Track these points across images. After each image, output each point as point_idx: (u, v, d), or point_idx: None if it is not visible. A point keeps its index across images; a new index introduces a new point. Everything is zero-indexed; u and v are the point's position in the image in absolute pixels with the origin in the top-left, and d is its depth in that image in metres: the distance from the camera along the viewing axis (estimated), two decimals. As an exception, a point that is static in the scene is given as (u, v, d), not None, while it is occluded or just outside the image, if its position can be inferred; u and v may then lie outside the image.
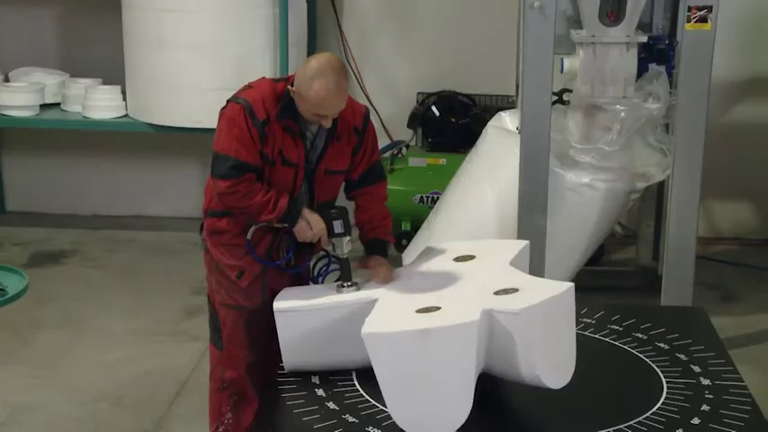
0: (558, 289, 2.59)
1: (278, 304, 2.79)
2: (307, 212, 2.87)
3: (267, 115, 2.82)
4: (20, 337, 4.31)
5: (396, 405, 2.47)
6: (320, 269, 3.09)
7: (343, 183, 3.05)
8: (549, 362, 2.53)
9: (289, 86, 2.86)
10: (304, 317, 2.76)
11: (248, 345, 3.00)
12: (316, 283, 3.07)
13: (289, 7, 4.93)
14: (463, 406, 2.44)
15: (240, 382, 3.03)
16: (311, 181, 2.94)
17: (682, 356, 2.88)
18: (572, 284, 2.62)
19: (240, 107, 2.82)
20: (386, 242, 3.04)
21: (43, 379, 4.00)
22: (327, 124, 2.86)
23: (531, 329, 2.48)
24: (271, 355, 2.93)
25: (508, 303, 2.52)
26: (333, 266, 3.05)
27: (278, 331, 2.77)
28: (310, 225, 2.87)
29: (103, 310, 4.60)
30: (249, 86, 2.91)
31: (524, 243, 3.02)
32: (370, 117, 3.04)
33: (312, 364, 2.78)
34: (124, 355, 4.17)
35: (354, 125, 2.97)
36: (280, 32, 4.94)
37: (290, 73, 4.95)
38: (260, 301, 2.94)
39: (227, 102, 2.90)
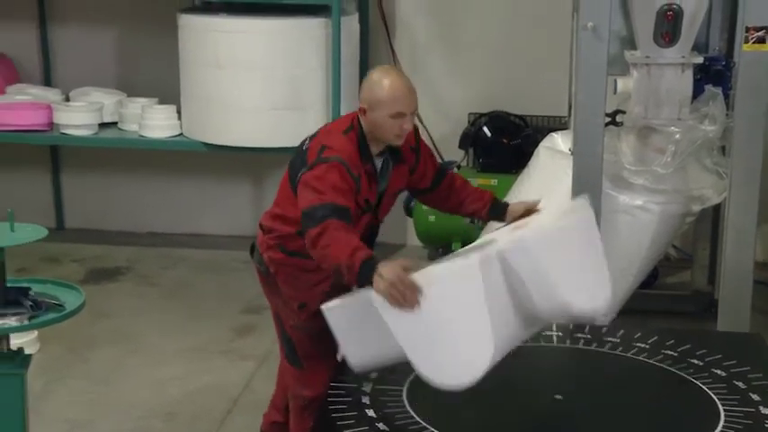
0: (567, 219, 2.63)
1: (325, 304, 2.73)
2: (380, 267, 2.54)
3: (357, 170, 2.81)
4: (76, 353, 4.39)
5: (417, 356, 2.47)
6: None
7: (410, 191, 3.16)
8: (575, 288, 2.50)
9: (358, 117, 2.86)
10: (352, 310, 2.67)
11: (323, 359, 2.97)
12: None
13: (341, 28, 4.98)
14: (484, 351, 2.42)
15: (321, 399, 2.95)
16: (377, 208, 2.99)
17: (740, 384, 2.82)
18: (587, 209, 2.71)
19: (336, 163, 2.76)
20: (499, 200, 3.13)
21: (98, 395, 4.06)
22: (409, 126, 2.85)
23: (537, 260, 2.49)
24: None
25: (513, 241, 2.59)
26: None
27: (332, 330, 2.68)
28: (398, 281, 2.50)
29: (157, 327, 4.66)
30: (327, 147, 2.83)
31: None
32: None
33: (375, 358, 2.68)
34: (177, 372, 4.22)
35: (410, 145, 3.02)
36: (332, 53, 4.99)
37: (342, 92, 5.03)
38: (324, 322, 2.88)
39: (311, 167, 2.79)
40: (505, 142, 5.29)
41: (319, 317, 2.79)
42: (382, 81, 2.84)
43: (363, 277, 2.54)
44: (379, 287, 2.49)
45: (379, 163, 2.94)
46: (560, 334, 3.20)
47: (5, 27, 5.73)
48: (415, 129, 3.03)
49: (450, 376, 2.46)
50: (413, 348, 2.47)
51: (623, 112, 4.18)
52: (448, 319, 2.46)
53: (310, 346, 3.03)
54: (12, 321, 3.05)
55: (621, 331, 3.19)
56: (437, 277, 2.50)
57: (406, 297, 2.45)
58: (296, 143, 5.03)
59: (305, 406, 3.07)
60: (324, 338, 2.89)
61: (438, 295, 2.46)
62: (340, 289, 2.83)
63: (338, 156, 2.79)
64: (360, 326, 2.68)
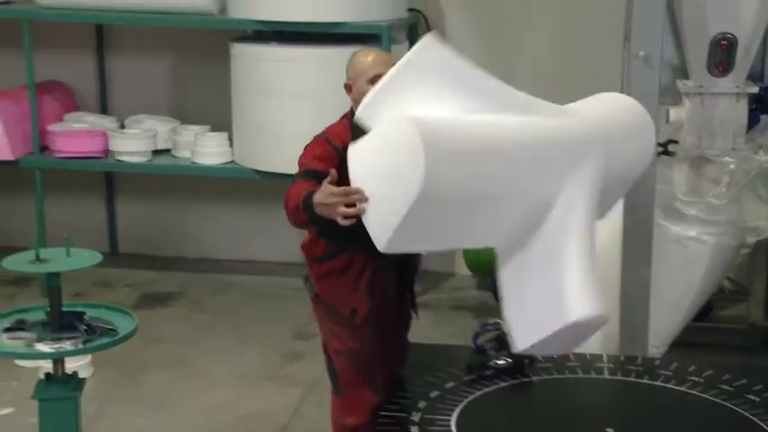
0: None
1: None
2: (330, 188, 2.65)
3: (344, 143, 2.85)
4: (128, 377, 4.44)
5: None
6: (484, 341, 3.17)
7: None
8: None
9: (349, 99, 2.98)
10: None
11: (366, 388, 3.01)
12: (480, 351, 3.14)
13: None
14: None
15: (366, 429, 2.99)
16: None
17: (797, 420, 2.77)
18: None
19: (317, 138, 2.98)
20: None
21: (150, 419, 4.10)
22: None
23: None
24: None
25: None
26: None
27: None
28: (326, 195, 2.64)
29: (208, 353, 4.70)
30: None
31: None
32: None
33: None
34: (227, 397, 4.24)
35: None
36: (383, 82, 5.01)
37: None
38: (369, 343, 2.99)
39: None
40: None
41: (369, 325, 2.89)
42: (359, 53, 3.00)
43: (309, 211, 2.68)
44: (321, 211, 2.65)
45: None
46: (612, 366, 3.16)
47: (65, 57, 5.87)
48: None
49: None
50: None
51: (676, 142, 4.14)
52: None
53: (353, 372, 3.05)
54: (67, 345, 3.10)
55: (675, 364, 3.15)
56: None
57: (338, 202, 2.58)
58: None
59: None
60: (366, 365, 2.97)
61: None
62: (379, 284, 2.96)
63: (322, 134, 2.97)
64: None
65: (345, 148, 2.80)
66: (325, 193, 2.64)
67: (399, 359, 3.17)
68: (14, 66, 5.51)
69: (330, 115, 5.00)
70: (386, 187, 2.50)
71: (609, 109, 3.04)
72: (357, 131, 2.83)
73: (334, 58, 5.07)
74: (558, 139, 2.74)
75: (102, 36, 5.86)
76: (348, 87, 3.00)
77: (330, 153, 2.88)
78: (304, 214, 2.71)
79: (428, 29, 5.61)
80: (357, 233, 2.62)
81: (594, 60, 5.34)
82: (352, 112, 2.93)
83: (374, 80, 2.85)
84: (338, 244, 2.93)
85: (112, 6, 5.22)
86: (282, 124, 5.09)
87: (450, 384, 3.00)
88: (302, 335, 4.83)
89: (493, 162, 2.56)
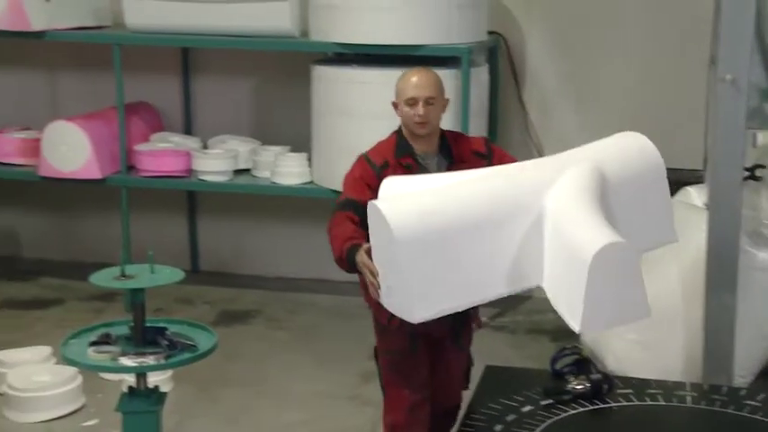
0: None
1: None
2: (364, 259, 2.84)
3: (385, 160, 3.10)
4: (207, 392, 4.51)
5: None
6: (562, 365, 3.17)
7: None
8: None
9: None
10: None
11: (404, 386, 3.18)
12: (558, 375, 3.13)
13: (470, 79, 5.02)
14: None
15: (403, 426, 3.20)
16: None
17: None
18: None
19: (359, 157, 3.18)
20: None
21: (227, 435, 4.16)
22: (419, 112, 3.05)
23: None
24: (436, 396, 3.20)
25: None
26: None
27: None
28: (362, 266, 2.86)
29: (285, 371, 4.74)
30: None
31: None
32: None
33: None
34: (303, 416, 4.27)
35: (474, 149, 3.17)
36: (461, 103, 5.03)
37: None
38: (407, 343, 3.15)
39: None
40: (637, 195, 5.18)
41: (405, 328, 2.97)
42: (405, 74, 3.13)
43: (352, 264, 2.93)
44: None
45: (433, 161, 3.13)
46: (695, 394, 3.09)
47: (153, 78, 6.03)
48: (487, 138, 3.24)
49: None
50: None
51: (763, 167, 4.05)
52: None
53: (392, 372, 3.22)
54: (150, 360, 3.17)
55: (762, 395, 3.06)
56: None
57: (369, 279, 2.81)
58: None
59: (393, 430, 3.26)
60: (403, 365, 3.16)
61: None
62: None
63: (366, 152, 3.18)
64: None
65: (384, 166, 3.10)
66: (361, 264, 2.88)
67: (448, 364, 3.28)
68: (105, 88, 5.69)
69: (409, 137, 5.08)
70: (387, 267, 2.69)
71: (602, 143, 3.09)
72: (402, 148, 3.10)
73: (413, 81, 5.11)
74: (521, 169, 2.89)
75: (187, 59, 6.01)
76: (394, 105, 3.18)
77: (368, 173, 3.11)
78: (347, 264, 2.98)
79: (508, 52, 5.62)
80: None
81: (679, 85, 5.26)
82: (400, 129, 3.17)
83: (410, 102, 3.07)
84: None
85: (198, 30, 5.35)
86: (362, 145, 5.08)
87: (527, 408, 2.97)
88: (378, 355, 4.84)
89: (456, 199, 2.71)
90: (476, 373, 4.52)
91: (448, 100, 3.23)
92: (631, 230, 2.71)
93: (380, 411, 4.22)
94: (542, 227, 2.66)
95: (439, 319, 3.02)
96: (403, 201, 2.72)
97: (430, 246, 2.58)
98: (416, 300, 2.60)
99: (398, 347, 3.18)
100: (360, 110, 5.11)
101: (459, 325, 3.23)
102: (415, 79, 3.10)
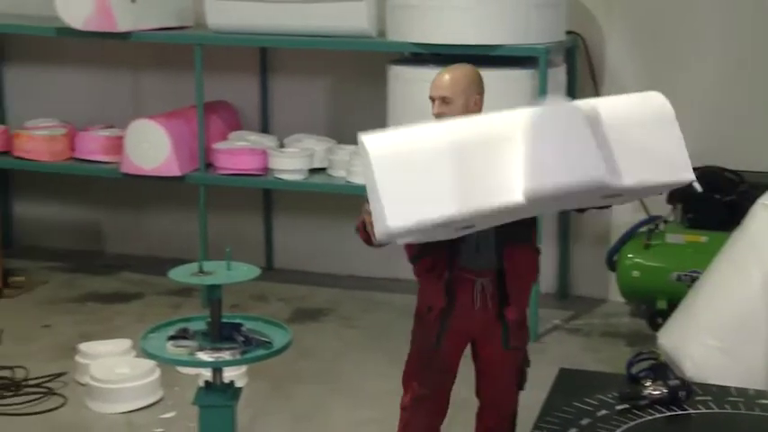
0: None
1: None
2: (365, 205, 2.99)
3: None
4: (281, 389, 4.56)
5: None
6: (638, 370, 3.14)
7: None
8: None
9: None
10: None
11: (415, 377, 3.28)
12: (634, 380, 3.11)
13: (548, 79, 4.97)
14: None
15: (408, 409, 3.31)
16: None
17: None
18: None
19: None
20: None
21: (300, 430, 4.20)
22: (435, 111, 3.11)
23: None
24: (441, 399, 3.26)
25: None
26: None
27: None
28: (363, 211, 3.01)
29: (357, 369, 4.77)
30: None
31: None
32: None
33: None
34: (375, 414, 4.29)
35: None
36: (538, 104, 4.98)
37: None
38: (433, 338, 3.20)
39: None
40: (718, 198, 5.07)
41: (437, 324, 3.15)
42: (439, 72, 3.18)
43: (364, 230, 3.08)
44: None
45: None
46: (743, 399, 3.00)
47: (231, 78, 6.13)
48: None
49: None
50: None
51: None
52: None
53: (412, 359, 3.31)
54: (225, 355, 3.23)
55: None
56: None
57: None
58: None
59: (401, 410, 3.35)
60: (421, 358, 3.26)
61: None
62: (460, 287, 3.12)
63: None
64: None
65: None
66: (363, 210, 3.03)
67: (491, 365, 3.28)
68: (185, 87, 5.80)
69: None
70: (371, 194, 2.79)
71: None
72: None
73: (490, 81, 5.05)
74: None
75: (265, 58, 6.09)
76: (432, 100, 3.18)
77: None
78: (362, 232, 3.12)
79: (587, 52, 5.55)
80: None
81: (761, 87, 5.13)
82: None
83: (430, 99, 3.15)
84: (422, 247, 3.15)
85: (277, 30, 5.41)
86: (436, 145, 5.12)
87: (602, 412, 2.93)
88: (450, 356, 4.83)
89: (431, 128, 2.89)
90: (549, 376, 4.48)
91: (478, 98, 3.21)
92: (638, 163, 2.81)
93: (453, 411, 4.22)
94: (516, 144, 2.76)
95: (469, 315, 3.15)
96: (383, 133, 2.92)
97: (400, 161, 2.74)
98: (388, 208, 2.71)
99: (424, 339, 3.25)
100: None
101: (493, 323, 3.20)
102: (437, 78, 3.17)
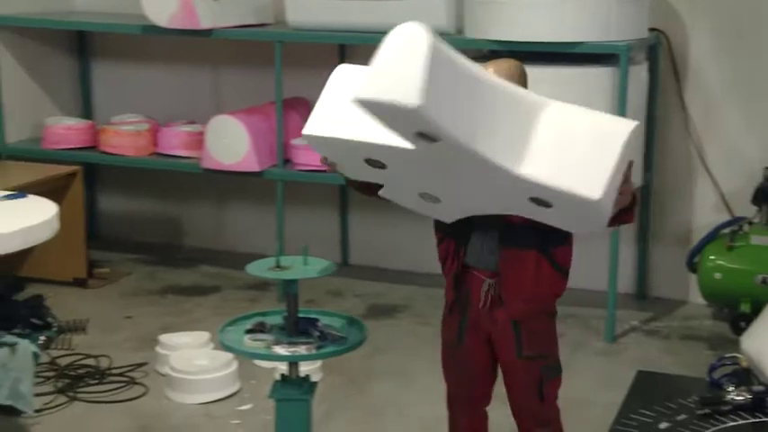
0: None
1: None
2: None
3: None
4: (354, 384, 4.59)
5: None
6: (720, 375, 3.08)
7: None
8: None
9: None
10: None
11: (446, 376, 3.28)
12: (716, 385, 3.04)
13: (629, 78, 4.89)
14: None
15: (448, 407, 3.31)
16: None
17: None
18: None
19: None
20: None
21: (372, 427, 4.22)
22: None
23: None
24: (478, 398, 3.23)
25: None
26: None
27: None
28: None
29: (431, 367, 4.72)
30: None
31: None
32: None
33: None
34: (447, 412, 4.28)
35: None
36: (618, 103, 4.91)
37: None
38: (455, 334, 3.17)
39: None
40: (806, 200, 4.93)
41: (454, 315, 3.15)
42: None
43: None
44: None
45: None
46: None
47: (310, 74, 6.11)
48: None
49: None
50: None
51: None
52: None
53: (442, 360, 3.31)
54: (302, 350, 3.26)
55: None
56: None
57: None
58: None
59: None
60: (445, 356, 3.27)
61: None
62: (468, 278, 3.07)
63: None
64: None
65: None
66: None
67: (507, 372, 3.20)
68: (265, 83, 5.87)
69: (563, 135, 5.00)
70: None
71: None
72: None
73: (569, 78, 5.02)
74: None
75: (344, 55, 6.12)
76: None
77: None
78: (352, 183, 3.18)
79: (670, 49, 5.44)
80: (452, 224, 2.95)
81: None
82: None
83: None
84: (439, 239, 3.14)
85: (356, 27, 5.44)
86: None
87: (681, 417, 2.88)
88: (525, 355, 4.80)
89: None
90: (626, 378, 4.42)
91: None
92: (549, 162, 2.61)
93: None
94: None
95: (480, 314, 3.10)
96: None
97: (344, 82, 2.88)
98: (312, 117, 2.92)
99: (448, 338, 3.23)
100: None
101: (505, 329, 3.11)
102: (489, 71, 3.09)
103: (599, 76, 4.96)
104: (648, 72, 5.28)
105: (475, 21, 5.20)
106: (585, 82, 4.99)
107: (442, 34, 5.76)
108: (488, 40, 5.13)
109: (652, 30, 5.28)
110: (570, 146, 2.61)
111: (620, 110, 4.90)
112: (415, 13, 5.28)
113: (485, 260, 3.08)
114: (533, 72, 5.02)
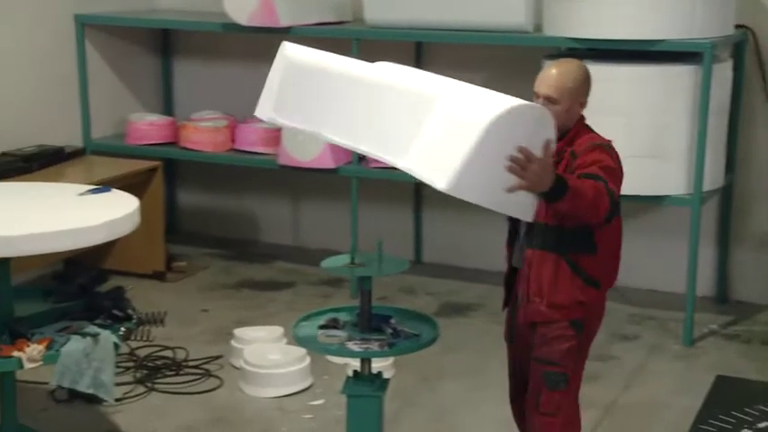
0: None
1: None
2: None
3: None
4: (426, 382, 4.59)
5: None
6: None
7: None
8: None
9: None
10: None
11: (508, 375, 3.37)
12: None
13: (712, 76, 4.78)
14: None
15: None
16: None
17: None
18: None
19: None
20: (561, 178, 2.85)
21: (443, 425, 4.22)
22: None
23: None
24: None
25: None
26: None
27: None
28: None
29: (503, 366, 4.70)
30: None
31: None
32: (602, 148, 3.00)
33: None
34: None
35: (570, 147, 3.00)
36: (700, 101, 4.80)
37: (707, 143, 4.83)
38: (507, 331, 3.28)
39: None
40: None
41: (509, 317, 3.26)
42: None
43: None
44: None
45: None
46: None
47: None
48: (591, 144, 3.01)
49: None
50: None
51: None
52: None
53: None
54: (374, 347, 3.27)
55: None
56: None
57: None
58: (655, 192, 4.93)
59: None
60: (510, 358, 3.34)
61: None
62: (510, 281, 3.23)
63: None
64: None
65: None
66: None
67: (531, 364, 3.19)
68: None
69: (643, 135, 4.92)
70: None
71: None
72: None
73: (650, 77, 4.93)
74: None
75: (420, 52, 6.12)
76: (536, 96, 3.11)
77: None
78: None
79: (756, 47, 5.30)
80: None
81: None
82: None
83: (538, 97, 3.02)
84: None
85: (433, 25, 5.44)
86: (591, 142, 5.01)
87: (763, 424, 2.80)
88: (600, 356, 4.74)
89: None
90: (704, 382, 4.32)
91: (584, 100, 3.10)
92: (422, 152, 2.80)
93: (602, 413, 4.15)
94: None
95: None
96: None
97: (299, 71, 3.07)
98: (261, 98, 3.14)
99: (505, 336, 3.31)
100: (591, 105, 4.98)
101: (529, 327, 3.13)
102: (544, 73, 3.06)
103: (680, 75, 4.86)
104: (733, 70, 5.14)
105: (553, 18, 5.14)
106: (666, 81, 4.89)
107: (519, 32, 5.75)
108: (566, 38, 5.07)
109: (738, 26, 5.14)
110: (439, 137, 2.75)
111: (702, 109, 4.79)
112: (492, 11, 5.26)
113: (520, 260, 3.13)
114: (611, 70, 4.99)
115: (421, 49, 6.11)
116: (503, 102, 2.75)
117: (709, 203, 5.28)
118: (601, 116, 4.93)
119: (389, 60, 6.32)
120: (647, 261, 5.76)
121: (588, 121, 5.05)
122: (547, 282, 3.02)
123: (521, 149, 2.68)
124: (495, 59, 5.90)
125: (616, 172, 2.96)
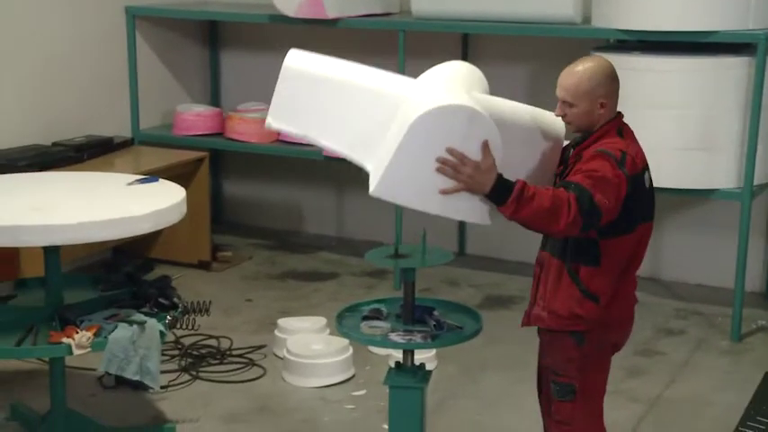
0: None
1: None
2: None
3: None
4: (468, 374, 4.58)
5: None
6: None
7: None
8: None
9: None
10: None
11: (537, 367, 3.33)
12: None
13: (766, 68, 4.69)
14: None
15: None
16: None
17: None
18: None
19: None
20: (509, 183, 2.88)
21: (485, 417, 4.21)
22: (558, 112, 2.96)
23: None
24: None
25: None
26: None
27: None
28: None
29: (547, 360, 4.71)
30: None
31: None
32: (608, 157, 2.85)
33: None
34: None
35: (580, 149, 2.94)
36: (753, 94, 4.72)
37: (759, 135, 4.74)
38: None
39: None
40: None
41: None
42: None
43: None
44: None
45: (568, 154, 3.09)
46: None
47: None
48: (597, 150, 2.88)
49: None
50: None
51: None
52: None
53: None
54: (417, 338, 3.27)
55: None
56: None
57: None
58: (705, 185, 4.85)
59: None
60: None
61: None
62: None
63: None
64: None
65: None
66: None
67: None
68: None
69: (694, 128, 4.85)
70: None
71: None
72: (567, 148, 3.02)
73: (701, 69, 4.85)
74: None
75: (467, 44, 6.09)
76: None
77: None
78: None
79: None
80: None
81: None
82: None
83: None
84: None
85: (480, 17, 5.41)
86: (644, 135, 4.92)
87: (811, 425, 2.75)
88: (645, 351, 4.69)
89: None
90: (752, 379, 4.25)
91: (605, 101, 2.99)
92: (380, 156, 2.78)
93: (646, 408, 4.12)
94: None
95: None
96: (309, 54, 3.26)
97: (303, 80, 3.08)
98: (271, 108, 3.13)
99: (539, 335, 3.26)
100: (640, 98, 4.94)
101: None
102: (563, 74, 2.97)
103: (733, 67, 4.78)
104: (788, 62, 5.04)
105: (602, 9, 5.08)
106: (718, 73, 4.81)
107: (567, 24, 5.70)
108: (616, 30, 5.01)
109: (792, 18, 5.04)
110: (388, 140, 2.77)
111: (755, 102, 4.71)
112: (540, 2, 5.22)
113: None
114: (662, 63, 4.92)
115: (467, 41, 6.09)
116: (428, 103, 2.74)
117: (759, 197, 5.19)
118: (651, 109, 4.93)
119: (436, 53, 6.34)
120: (695, 255, 5.68)
121: (637, 114, 5.01)
122: (549, 287, 3.00)
123: (451, 151, 2.65)
124: (542, 52, 5.85)
125: (610, 182, 2.79)
